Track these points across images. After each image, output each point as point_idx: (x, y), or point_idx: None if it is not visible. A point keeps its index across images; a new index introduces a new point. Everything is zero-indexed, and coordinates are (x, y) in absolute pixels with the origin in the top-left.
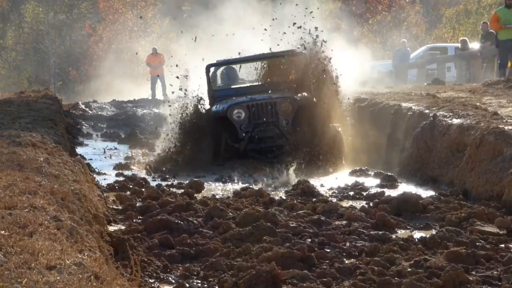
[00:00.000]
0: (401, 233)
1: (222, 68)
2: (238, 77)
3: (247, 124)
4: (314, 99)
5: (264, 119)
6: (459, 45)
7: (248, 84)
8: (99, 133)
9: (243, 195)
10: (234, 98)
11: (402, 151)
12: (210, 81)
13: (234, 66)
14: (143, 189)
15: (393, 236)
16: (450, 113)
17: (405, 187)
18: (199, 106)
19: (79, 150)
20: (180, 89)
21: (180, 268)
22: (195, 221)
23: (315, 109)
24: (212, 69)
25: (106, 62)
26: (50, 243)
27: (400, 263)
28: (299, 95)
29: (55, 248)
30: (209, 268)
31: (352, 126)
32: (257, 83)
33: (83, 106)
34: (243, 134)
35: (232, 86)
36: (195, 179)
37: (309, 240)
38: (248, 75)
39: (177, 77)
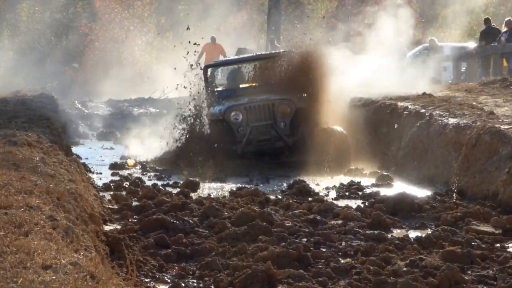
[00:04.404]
0: (397, 232)
1: (222, 69)
2: (243, 77)
3: (245, 127)
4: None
5: (262, 121)
6: (461, 44)
7: (247, 85)
8: (95, 132)
9: (238, 195)
10: (231, 99)
11: (398, 150)
12: (208, 82)
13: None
14: (139, 189)
15: (389, 236)
16: (446, 113)
17: (400, 187)
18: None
19: (75, 149)
20: None
21: (176, 267)
22: (190, 221)
23: (314, 110)
24: (209, 70)
25: (103, 61)
26: (45, 243)
27: (396, 262)
28: (297, 96)
29: (50, 247)
30: (205, 267)
31: (349, 125)
32: (255, 84)
33: (79, 105)
34: (241, 137)
35: (230, 88)
36: (191, 179)
37: (305, 239)
38: (246, 76)
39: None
